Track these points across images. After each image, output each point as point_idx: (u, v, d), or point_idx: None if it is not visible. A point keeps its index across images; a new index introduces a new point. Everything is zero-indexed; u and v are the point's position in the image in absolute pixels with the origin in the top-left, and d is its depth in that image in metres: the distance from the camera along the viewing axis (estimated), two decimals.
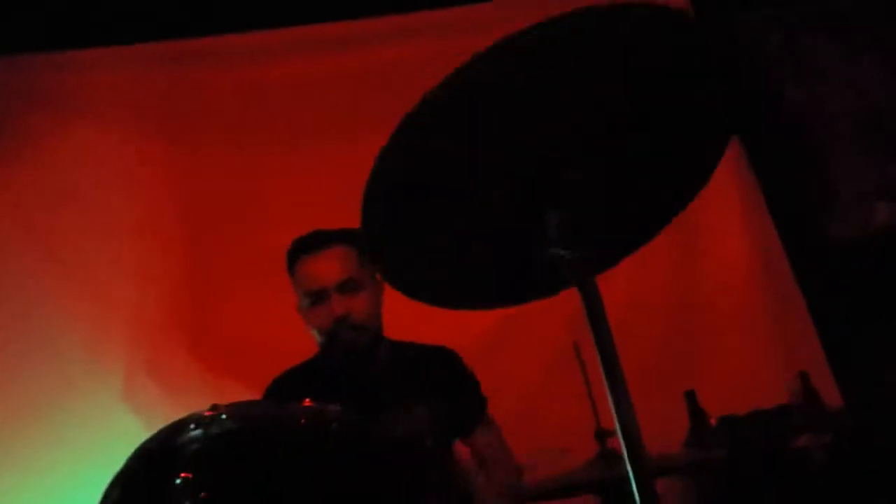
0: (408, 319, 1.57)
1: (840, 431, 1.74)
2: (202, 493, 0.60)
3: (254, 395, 1.52)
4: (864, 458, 1.68)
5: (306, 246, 1.47)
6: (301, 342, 1.51)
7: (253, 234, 2.12)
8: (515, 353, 2.07)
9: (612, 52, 0.72)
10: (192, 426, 0.65)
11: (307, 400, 0.68)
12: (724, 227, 2.32)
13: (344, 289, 1.41)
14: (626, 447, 0.72)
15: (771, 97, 2.30)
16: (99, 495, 0.69)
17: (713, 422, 1.90)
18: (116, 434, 1.82)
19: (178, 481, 0.60)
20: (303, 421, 0.67)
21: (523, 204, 0.79)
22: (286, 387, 1.47)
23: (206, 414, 0.66)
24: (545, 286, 0.90)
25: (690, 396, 1.94)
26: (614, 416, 0.75)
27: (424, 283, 0.84)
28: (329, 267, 1.43)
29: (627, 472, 1.02)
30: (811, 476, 1.67)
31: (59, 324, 2.03)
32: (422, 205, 0.79)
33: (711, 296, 2.24)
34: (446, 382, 1.43)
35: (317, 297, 1.43)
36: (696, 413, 1.92)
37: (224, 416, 0.65)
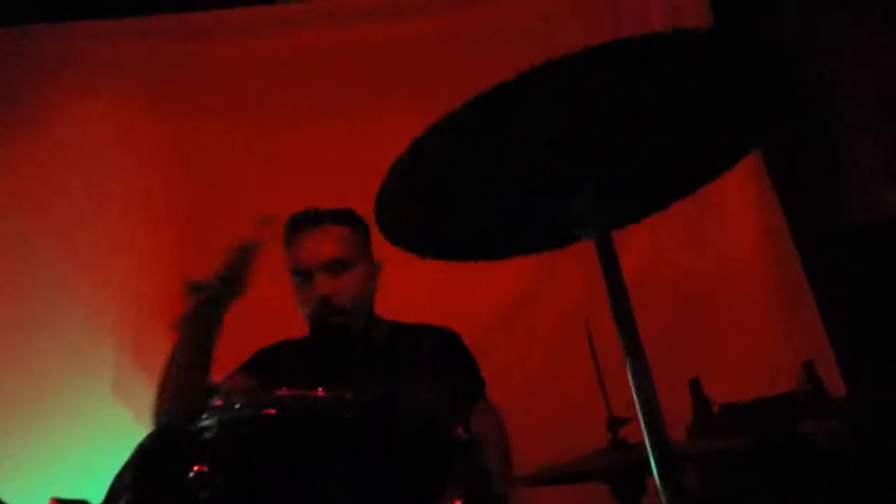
0: (415, 300, 1.55)
1: (846, 419, 1.73)
2: (216, 484, 0.58)
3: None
4: (870, 446, 1.68)
5: (298, 224, 1.45)
6: (298, 322, 1.48)
7: (249, 211, 2.11)
8: (524, 337, 2.06)
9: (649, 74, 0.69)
10: (205, 414, 0.63)
11: (321, 389, 0.66)
12: (730, 212, 2.29)
13: (330, 269, 1.39)
14: (647, 430, 0.71)
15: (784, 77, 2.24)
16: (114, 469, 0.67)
17: (716, 409, 1.90)
18: (118, 415, 1.83)
19: (191, 475, 0.58)
20: (317, 411, 0.65)
21: (551, 187, 0.77)
22: (272, 358, 1.46)
23: (219, 402, 0.64)
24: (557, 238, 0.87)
25: (695, 384, 1.93)
26: (633, 393, 0.73)
27: (430, 239, 0.81)
28: (317, 246, 1.41)
29: (641, 460, 1.01)
30: (816, 463, 1.67)
31: (58, 294, 2.04)
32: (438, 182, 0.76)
33: (717, 282, 2.22)
34: (445, 363, 1.41)
35: (303, 276, 1.42)
36: (700, 400, 1.91)
37: (238, 405, 0.63)
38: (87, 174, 2.17)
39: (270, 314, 1.56)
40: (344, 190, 1.55)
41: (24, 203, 2.13)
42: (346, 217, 1.46)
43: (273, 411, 0.64)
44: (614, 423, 1.15)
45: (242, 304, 2.01)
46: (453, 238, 0.88)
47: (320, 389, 0.66)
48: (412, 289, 1.81)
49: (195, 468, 0.59)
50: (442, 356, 1.41)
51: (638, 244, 2.02)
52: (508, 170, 0.75)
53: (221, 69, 2.28)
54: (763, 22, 2.25)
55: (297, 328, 1.47)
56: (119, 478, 0.67)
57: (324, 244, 1.41)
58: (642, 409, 0.72)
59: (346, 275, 1.40)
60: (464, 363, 1.45)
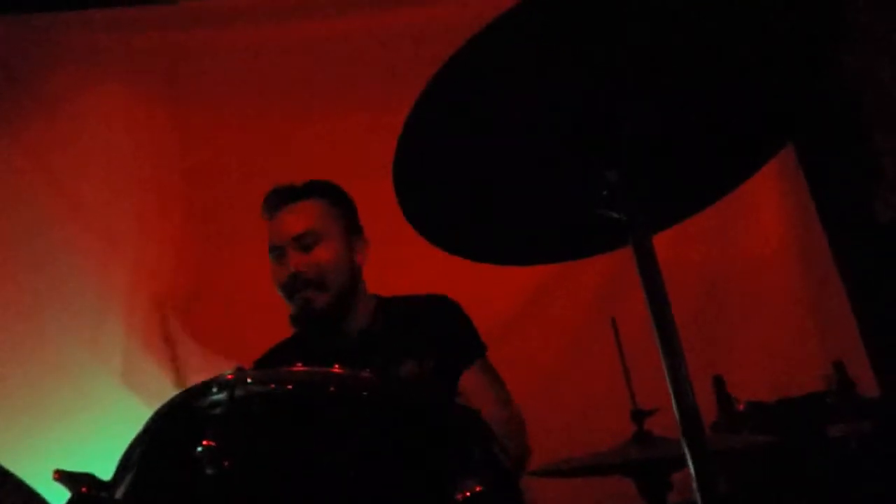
0: (436, 288, 1.51)
1: (879, 421, 1.66)
2: (225, 461, 0.55)
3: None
4: None
5: (271, 200, 1.42)
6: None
7: (258, 197, 2.11)
8: (547, 328, 2.02)
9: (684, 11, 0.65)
10: (215, 389, 0.60)
11: (336, 366, 0.63)
12: (760, 204, 2.23)
13: (300, 243, 1.36)
14: (683, 423, 0.67)
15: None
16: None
17: (741, 407, 1.85)
18: (127, 401, 1.83)
19: (199, 448, 0.56)
20: (332, 388, 0.61)
21: (581, 161, 0.73)
22: (273, 358, 1.42)
23: (230, 377, 0.61)
24: (594, 244, 0.84)
25: (718, 381, 1.88)
26: (670, 387, 0.69)
27: (464, 236, 0.77)
28: (288, 221, 1.38)
29: (667, 455, 0.96)
30: (847, 466, 1.61)
31: (69, 278, 2.04)
32: (464, 153, 0.72)
33: (744, 276, 2.16)
34: (435, 324, 1.36)
35: (277, 253, 1.38)
36: (724, 398, 1.86)
37: (250, 380, 0.60)
38: (102, 160, 2.19)
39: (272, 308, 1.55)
40: (357, 177, 1.52)
41: (40, 188, 2.15)
42: (321, 190, 1.42)
43: (289, 387, 0.61)
44: (639, 415, 1.11)
45: (241, 299, 2.03)
46: (483, 232, 0.83)
47: (336, 366, 0.63)
48: (433, 277, 1.79)
49: (203, 443, 0.56)
50: (435, 320, 1.36)
51: (662, 236, 1.96)
52: (535, 132, 0.71)
53: (236, 57, 2.29)
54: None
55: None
56: (127, 454, 0.64)
57: (295, 218, 1.38)
58: (677, 401, 0.68)
59: (318, 249, 1.36)
60: (462, 328, 1.39)
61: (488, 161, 0.75)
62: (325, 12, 2.32)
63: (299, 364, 0.63)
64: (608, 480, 1.19)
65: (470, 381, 1.32)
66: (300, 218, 1.38)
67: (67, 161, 2.16)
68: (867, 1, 2.21)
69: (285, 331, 1.45)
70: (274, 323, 1.47)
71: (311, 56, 2.26)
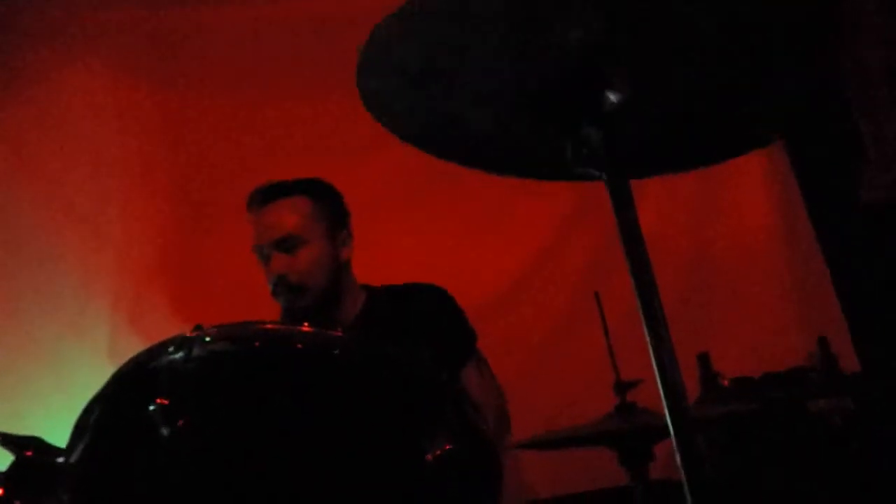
0: (424, 267, 1.49)
1: (860, 397, 1.67)
2: (179, 421, 0.52)
3: None
4: (883, 424, 1.62)
5: (254, 200, 1.41)
6: None
7: (244, 179, 2.08)
8: (532, 303, 2.02)
9: None
10: (171, 348, 0.57)
11: (306, 324, 0.60)
12: (745, 183, 2.23)
13: (282, 247, 1.35)
14: (666, 393, 0.65)
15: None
16: None
17: (726, 383, 1.85)
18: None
19: (152, 407, 0.52)
20: (300, 345, 0.59)
21: (563, 116, 0.70)
22: None
23: (189, 335, 0.57)
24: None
25: (703, 359, 1.88)
26: (653, 360, 0.68)
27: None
28: (270, 223, 1.37)
29: (648, 425, 0.95)
30: (828, 440, 1.61)
31: (51, 261, 2.02)
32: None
33: (730, 255, 2.17)
34: (430, 319, 1.35)
35: (261, 254, 1.39)
36: (709, 375, 1.86)
37: (208, 338, 0.57)
38: (84, 142, 2.15)
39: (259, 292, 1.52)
40: (344, 163, 1.48)
41: (22, 170, 2.11)
42: (304, 188, 1.40)
43: (256, 344, 0.58)
44: (621, 387, 1.09)
45: (227, 283, 2.01)
46: (451, 132, 0.78)
47: (305, 324, 0.60)
48: (417, 256, 1.77)
49: (156, 401, 0.53)
50: (428, 313, 1.35)
51: (647, 217, 1.96)
52: (515, 86, 0.68)
53: (221, 38, 2.25)
54: None
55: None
56: (82, 419, 0.61)
57: (276, 221, 1.37)
58: (659, 372, 0.66)
59: (302, 251, 1.36)
60: (452, 318, 1.39)
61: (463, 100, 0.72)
62: None
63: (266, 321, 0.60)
64: (593, 452, 1.18)
65: (468, 377, 1.33)
66: (282, 219, 1.37)
67: (47, 143, 2.12)
68: None
69: (270, 312, 1.43)
70: (261, 309, 1.45)
71: (298, 37, 2.23)
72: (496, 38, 0.63)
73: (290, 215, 1.37)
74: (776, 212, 2.23)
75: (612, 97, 0.72)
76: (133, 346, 2.10)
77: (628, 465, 1.06)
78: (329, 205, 1.43)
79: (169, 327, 1.99)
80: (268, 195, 1.40)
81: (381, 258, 1.53)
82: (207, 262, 2.08)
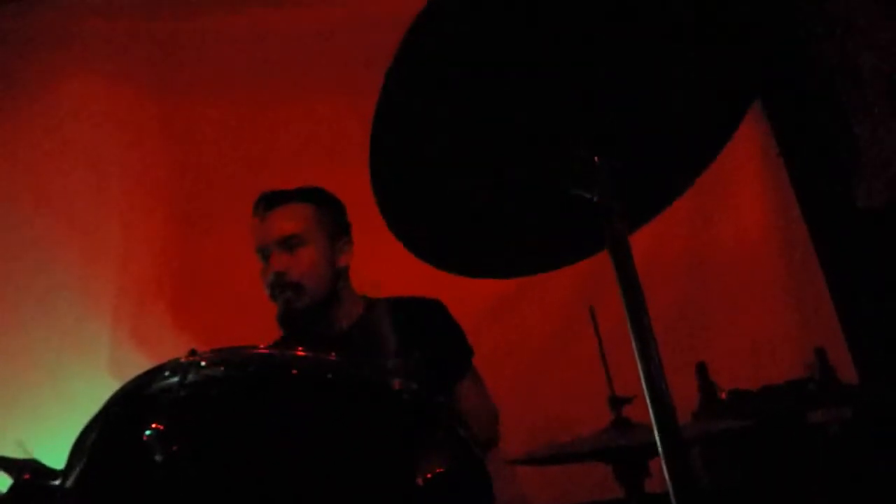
0: (419, 278, 1.49)
1: (858, 408, 1.67)
2: (173, 446, 0.53)
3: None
4: (881, 435, 1.62)
5: (259, 206, 1.46)
6: None
7: (245, 188, 2.09)
8: (527, 317, 2.02)
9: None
10: (167, 373, 0.58)
11: (300, 349, 0.61)
12: (741, 193, 2.24)
13: (284, 245, 1.39)
14: (655, 412, 0.66)
15: (796, 54, 2.17)
16: None
17: (723, 395, 1.85)
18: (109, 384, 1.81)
19: (148, 432, 0.53)
20: (294, 371, 0.59)
21: (556, 141, 0.72)
22: None
23: (184, 360, 0.58)
24: (574, 247, 0.82)
25: (701, 368, 1.88)
26: (642, 378, 0.68)
27: (442, 245, 0.76)
28: (274, 225, 1.42)
29: (643, 441, 0.95)
30: (827, 451, 1.61)
31: (51, 271, 2.03)
32: (440, 144, 0.70)
33: (726, 265, 2.17)
34: (427, 333, 1.35)
35: (263, 255, 1.42)
36: (707, 385, 1.86)
37: (203, 363, 0.58)
38: (84, 150, 2.16)
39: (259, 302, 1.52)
40: (341, 168, 1.50)
41: (21, 178, 2.12)
42: (308, 195, 1.45)
43: (250, 369, 0.59)
44: (616, 402, 1.10)
45: (227, 293, 2.01)
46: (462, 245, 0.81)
47: (299, 349, 0.61)
48: (411, 267, 1.76)
49: (151, 426, 0.53)
50: (425, 326, 1.36)
51: (644, 227, 1.97)
52: (509, 108, 0.69)
53: (221, 46, 2.26)
54: None
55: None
56: (79, 441, 0.62)
57: (281, 221, 1.41)
58: (649, 389, 0.66)
59: (301, 251, 1.39)
60: (449, 333, 1.40)
61: (464, 145, 0.73)
62: (312, 2, 2.31)
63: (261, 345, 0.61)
64: (588, 467, 1.18)
65: (462, 392, 1.35)
66: (286, 221, 1.41)
67: (47, 151, 2.13)
68: None
69: (270, 322, 1.44)
70: (259, 316, 1.46)
71: (298, 45, 2.25)
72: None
73: (293, 218, 1.42)
74: (773, 222, 2.23)
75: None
76: (132, 357, 2.10)
77: (623, 480, 1.06)
78: (331, 212, 1.47)
79: (168, 337, 2.01)
80: (272, 201, 1.44)
81: (376, 269, 1.54)
82: (207, 272, 2.09)
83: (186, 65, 2.24)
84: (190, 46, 2.24)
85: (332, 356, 0.61)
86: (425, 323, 1.38)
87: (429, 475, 0.54)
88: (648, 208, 0.89)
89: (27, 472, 0.54)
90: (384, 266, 1.47)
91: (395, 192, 0.72)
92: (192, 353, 0.59)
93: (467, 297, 1.51)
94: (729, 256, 2.18)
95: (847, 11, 2.19)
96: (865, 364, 1.99)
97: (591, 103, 0.74)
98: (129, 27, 2.23)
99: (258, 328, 1.49)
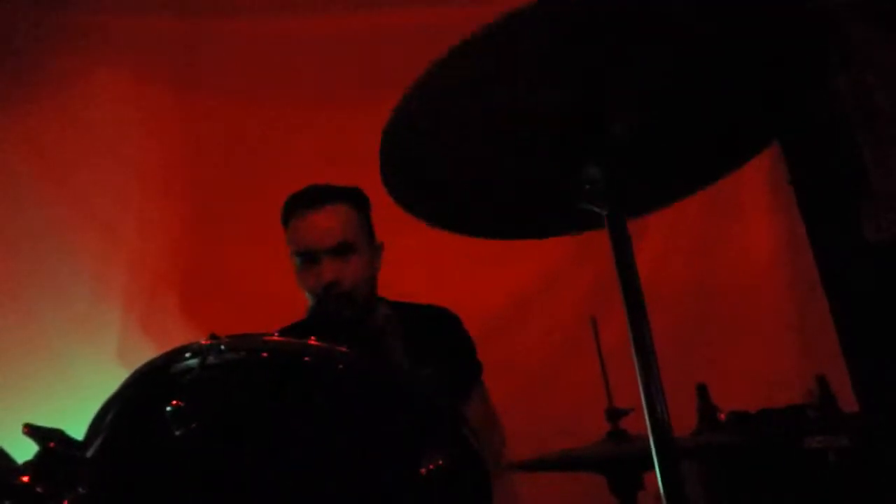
0: (430, 284, 1.52)
1: (857, 436, 1.67)
2: (192, 424, 0.56)
3: None
4: (880, 464, 1.62)
5: (303, 201, 1.37)
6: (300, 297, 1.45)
7: (260, 188, 2.11)
8: (529, 328, 2.03)
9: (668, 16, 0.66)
10: (188, 354, 0.61)
11: (312, 338, 0.64)
12: (750, 218, 2.26)
13: (336, 253, 1.32)
14: (652, 424, 0.67)
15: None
16: None
17: (722, 416, 1.85)
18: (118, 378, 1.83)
19: (168, 409, 0.56)
20: (307, 358, 0.62)
21: (564, 156, 0.74)
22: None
23: (204, 343, 0.61)
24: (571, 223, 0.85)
25: (702, 390, 1.89)
26: (641, 389, 0.70)
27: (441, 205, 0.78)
28: (324, 227, 1.33)
29: (638, 453, 0.97)
30: (825, 478, 1.61)
31: (66, 260, 2.05)
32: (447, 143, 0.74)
33: (731, 289, 2.18)
34: (442, 344, 1.37)
35: (309, 258, 1.34)
36: (707, 406, 1.87)
37: (223, 347, 0.61)
38: (106, 144, 2.19)
39: (270, 299, 1.54)
40: (356, 175, 1.52)
41: (43, 169, 2.15)
42: (351, 196, 1.38)
43: (264, 354, 0.62)
44: (614, 414, 1.11)
45: (240, 290, 2.04)
46: (460, 206, 0.85)
47: (312, 338, 0.64)
48: (418, 277, 1.79)
49: (172, 403, 0.56)
50: (441, 337, 1.37)
51: (651, 247, 1.99)
52: (520, 126, 0.72)
53: (244, 46, 2.29)
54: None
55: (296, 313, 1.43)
56: (98, 417, 0.65)
57: (331, 225, 1.33)
58: (647, 403, 0.68)
59: (353, 259, 1.33)
60: (462, 345, 1.41)
61: (472, 155, 0.77)
62: (339, 7, 2.34)
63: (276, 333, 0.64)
64: (584, 477, 1.20)
65: (472, 403, 1.35)
66: (337, 224, 1.33)
67: (69, 145, 2.16)
68: (859, 21, 2.24)
69: (283, 315, 1.43)
70: (273, 307, 1.47)
71: (321, 51, 2.27)
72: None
73: (344, 220, 1.34)
74: (780, 249, 2.25)
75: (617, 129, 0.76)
76: (142, 347, 2.13)
77: (618, 492, 1.08)
78: (368, 215, 1.41)
79: (180, 329, 2.03)
80: (315, 199, 1.35)
81: (383, 280, 1.56)
82: (221, 267, 2.11)
83: (210, 65, 2.27)
84: (215, 46, 2.26)
85: (343, 348, 0.64)
86: (442, 333, 1.38)
87: (431, 466, 0.57)
88: (645, 208, 0.89)
89: (53, 440, 0.57)
90: (392, 284, 1.49)
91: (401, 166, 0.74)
92: (213, 336, 0.62)
93: (471, 309, 1.53)
94: (735, 281, 2.19)
95: (862, 46, 2.21)
96: (866, 394, 1.99)
97: (604, 123, 0.77)
98: (156, 26, 2.27)
99: (266, 324, 1.51)
